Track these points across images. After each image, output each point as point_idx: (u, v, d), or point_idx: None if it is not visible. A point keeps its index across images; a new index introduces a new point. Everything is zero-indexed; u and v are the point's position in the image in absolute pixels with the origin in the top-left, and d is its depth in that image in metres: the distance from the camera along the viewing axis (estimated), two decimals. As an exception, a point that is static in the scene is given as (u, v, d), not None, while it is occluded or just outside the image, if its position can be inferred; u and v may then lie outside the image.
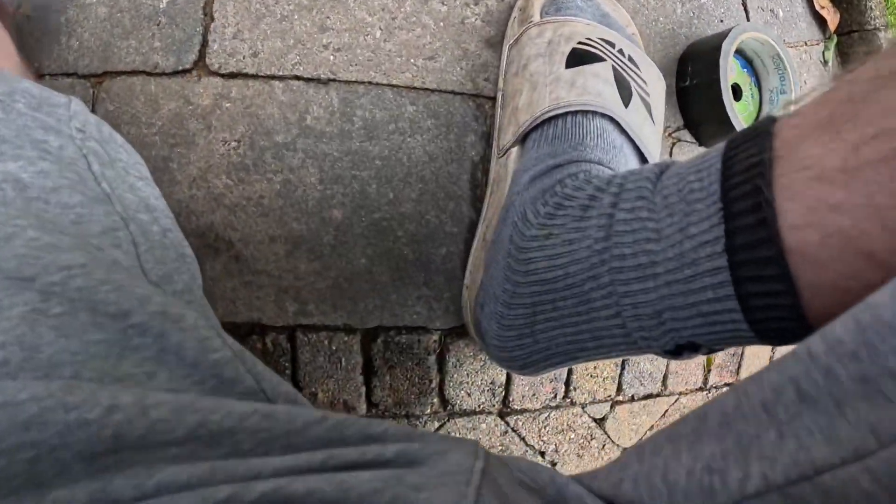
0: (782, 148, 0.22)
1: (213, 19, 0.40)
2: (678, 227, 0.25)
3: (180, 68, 0.40)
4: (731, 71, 0.47)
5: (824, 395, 0.15)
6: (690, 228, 0.24)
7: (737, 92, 0.49)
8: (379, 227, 0.41)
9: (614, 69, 0.39)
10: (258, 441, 0.20)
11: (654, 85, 0.42)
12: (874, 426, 0.14)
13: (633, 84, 0.40)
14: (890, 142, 0.18)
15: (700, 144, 0.49)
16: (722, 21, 0.51)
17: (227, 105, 0.40)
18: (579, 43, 0.39)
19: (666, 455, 0.20)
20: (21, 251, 0.22)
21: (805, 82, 0.56)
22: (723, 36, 0.46)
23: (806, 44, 0.57)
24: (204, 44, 0.40)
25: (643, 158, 0.38)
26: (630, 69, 0.40)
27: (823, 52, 0.58)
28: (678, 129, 0.48)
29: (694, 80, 0.47)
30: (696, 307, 0.25)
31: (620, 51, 0.40)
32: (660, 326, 0.27)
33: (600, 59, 0.39)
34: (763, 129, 0.23)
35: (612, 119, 0.37)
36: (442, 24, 0.42)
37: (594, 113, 0.36)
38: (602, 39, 0.40)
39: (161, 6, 0.40)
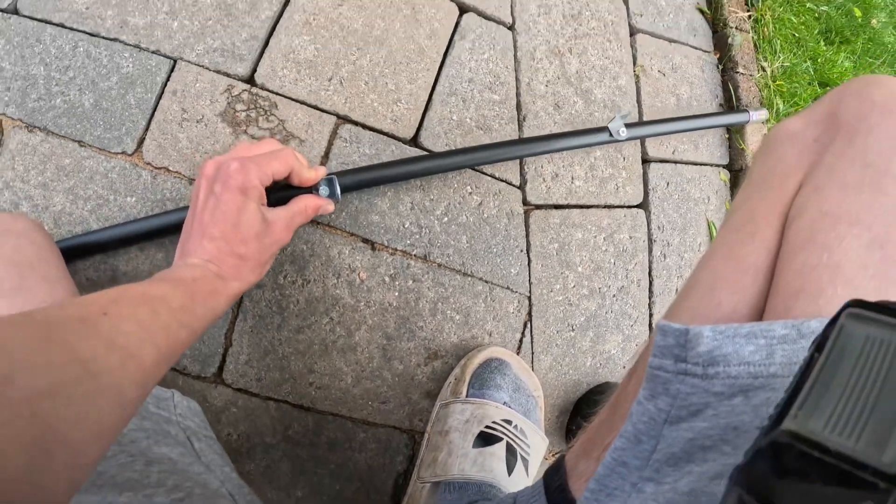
0: (571, 470, 0.40)
1: (231, 344, 0.56)
2: None
3: (202, 375, 0.57)
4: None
5: None
6: None
7: (617, 427, 0.65)
8: (326, 504, 0.60)
9: (508, 445, 0.56)
10: None
11: (535, 445, 0.59)
12: None
13: (518, 451, 0.57)
14: (607, 447, 0.35)
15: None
16: (624, 367, 0.66)
17: (234, 410, 0.57)
18: (486, 427, 0.56)
19: None
20: (199, 501, 0.38)
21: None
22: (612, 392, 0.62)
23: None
24: (223, 362, 0.57)
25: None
26: (520, 440, 0.57)
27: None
28: (558, 453, 0.65)
29: (578, 428, 0.63)
30: None
31: (515, 426, 0.57)
32: None
33: (498, 440, 0.56)
34: (560, 462, 0.41)
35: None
36: (397, 378, 0.58)
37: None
38: (504, 420, 0.56)
39: (201, 315, 0.56)
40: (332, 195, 0.51)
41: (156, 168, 0.54)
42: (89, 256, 0.53)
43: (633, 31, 0.74)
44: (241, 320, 0.55)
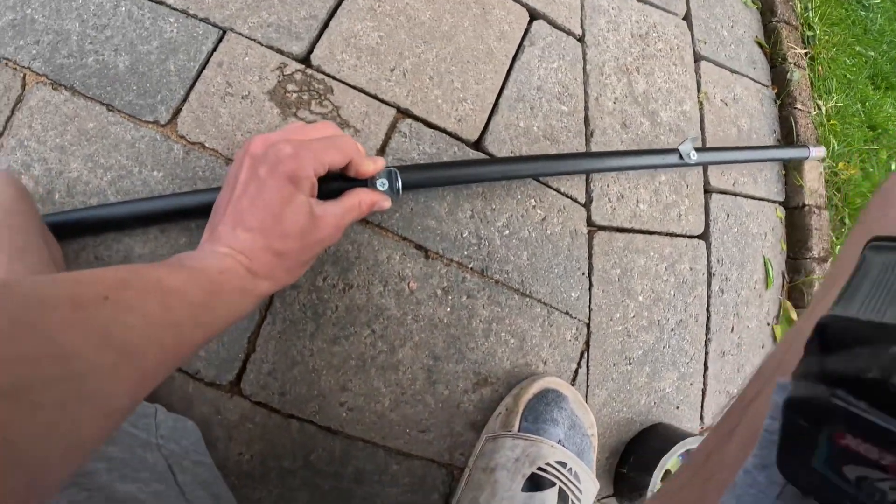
0: None
1: (254, 350, 0.49)
2: None
3: (217, 382, 0.49)
4: (668, 462, 0.57)
5: None
6: None
7: (665, 473, 0.59)
8: (344, 545, 0.52)
9: (560, 491, 0.49)
10: None
11: (588, 491, 0.52)
12: None
13: (570, 497, 0.50)
14: None
15: (619, 509, 0.60)
16: (678, 408, 0.61)
17: (250, 426, 0.50)
18: (539, 469, 0.49)
19: None
20: None
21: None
22: (669, 438, 0.56)
23: (751, 417, 0.66)
24: (243, 369, 0.49)
25: None
26: (573, 485, 0.50)
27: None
28: (607, 497, 0.59)
29: (630, 472, 0.57)
30: None
31: (570, 469, 0.50)
32: None
33: (551, 485, 0.49)
34: None
35: None
36: (441, 404, 0.52)
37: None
38: (558, 462, 0.50)
39: (222, 316, 0.49)
40: (389, 191, 0.45)
41: (190, 143, 0.48)
42: (103, 232, 0.45)
43: (697, 58, 0.71)
44: (269, 323, 0.48)
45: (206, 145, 0.49)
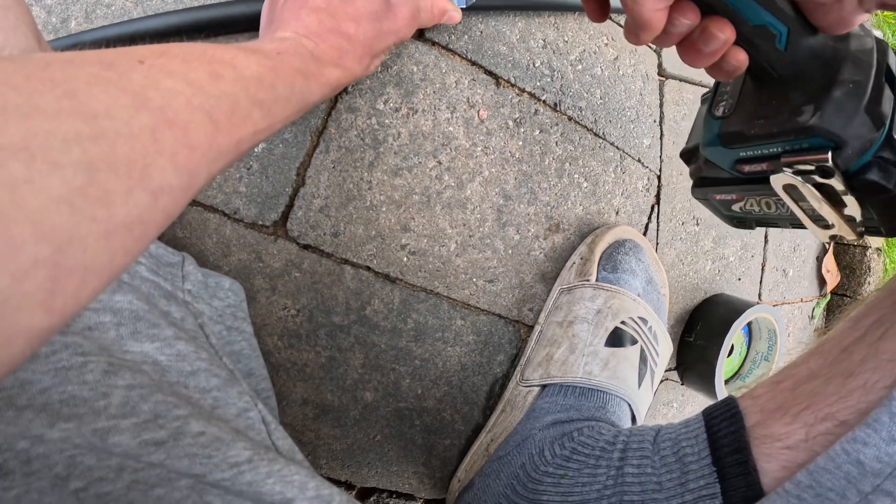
0: (755, 428, 0.30)
1: (304, 183, 0.42)
2: (678, 482, 0.32)
3: (260, 223, 0.42)
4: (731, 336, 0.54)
5: None
6: (689, 484, 0.31)
7: (730, 349, 0.56)
8: (401, 414, 0.46)
9: (641, 350, 0.45)
10: None
11: (664, 354, 0.48)
12: None
13: (649, 359, 0.46)
14: (832, 421, 0.27)
15: (682, 384, 0.56)
16: (740, 279, 0.58)
17: (297, 274, 0.43)
18: (622, 322, 0.45)
19: None
20: (191, 450, 0.23)
21: (790, 335, 0.64)
22: (735, 309, 0.53)
23: (802, 300, 0.64)
24: (289, 206, 0.42)
25: (633, 416, 0.46)
26: (652, 346, 0.46)
27: (814, 309, 0.66)
28: (668, 370, 0.55)
29: (698, 340, 0.53)
30: None
31: (650, 328, 0.46)
32: None
33: (633, 342, 0.45)
34: (734, 409, 0.31)
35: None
36: (511, 251, 0.46)
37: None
38: (640, 318, 0.46)
39: (255, 150, 0.42)
40: (461, 3, 0.41)
41: None
42: None
43: None
44: (322, 151, 0.42)
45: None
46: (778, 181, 0.33)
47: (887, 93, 0.30)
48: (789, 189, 0.33)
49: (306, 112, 0.32)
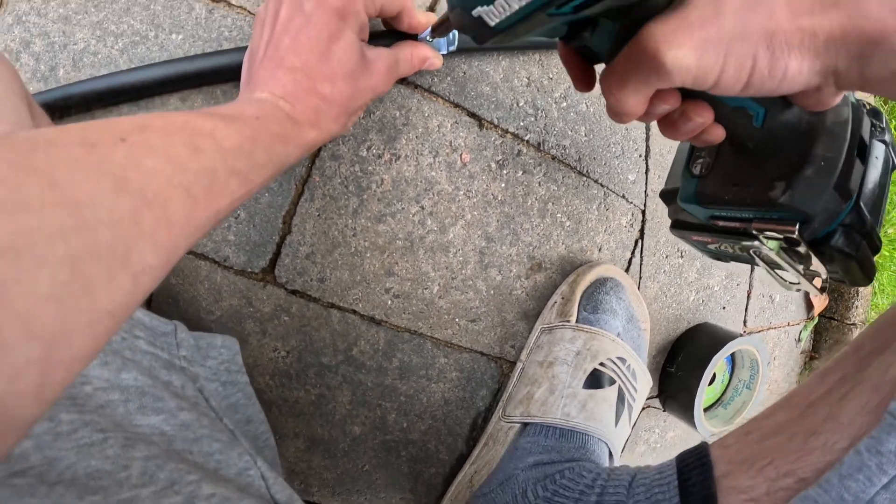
0: (723, 479, 0.31)
1: (290, 231, 0.43)
2: None
3: (249, 270, 0.43)
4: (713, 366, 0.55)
5: None
6: None
7: (712, 377, 0.57)
8: (387, 446, 0.48)
9: (619, 390, 0.47)
10: None
11: (642, 389, 0.50)
12: None
13: (627, 396, 0.47)
14: (793, 478, 0.28)
15: (664, 410, 0.58)
16: (724, 308, 0.58)
17: (286, 318, 0.45)
18: (600, 364, 0.46)
19: None
20: None
21: (775, 358, 0.65)
22: (717, 340, 0.54)
23: (788, 324, 0.65)
24: (277, 254, 0.43)
25: (611, 452, 0.47)
26: (630, 384, 0.48)
27: (801, 332, 0.66)
28: (650, 398, 0.57)
29: (679, 371, 0.55)
30: None
31: (629, 366, 0.47)
32: None
33: (611, 382, 0.46)
34: (705, 459, 0.33)
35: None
36: (493, 291, 0.47)
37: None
38: (619, 358, 0.47)
39: (247, 194, 0.43)
40: (442, 48, 0.41)
41: (213, 0, 0.41)
42: (114, 104, 0.38)
43: None
44: (307, 200, 0.43)
45: (233, 2, 0.42)
46: (748, 247, 0.34)
47: (857, 166, 0.31)
48: (757, 252, 0.34)
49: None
